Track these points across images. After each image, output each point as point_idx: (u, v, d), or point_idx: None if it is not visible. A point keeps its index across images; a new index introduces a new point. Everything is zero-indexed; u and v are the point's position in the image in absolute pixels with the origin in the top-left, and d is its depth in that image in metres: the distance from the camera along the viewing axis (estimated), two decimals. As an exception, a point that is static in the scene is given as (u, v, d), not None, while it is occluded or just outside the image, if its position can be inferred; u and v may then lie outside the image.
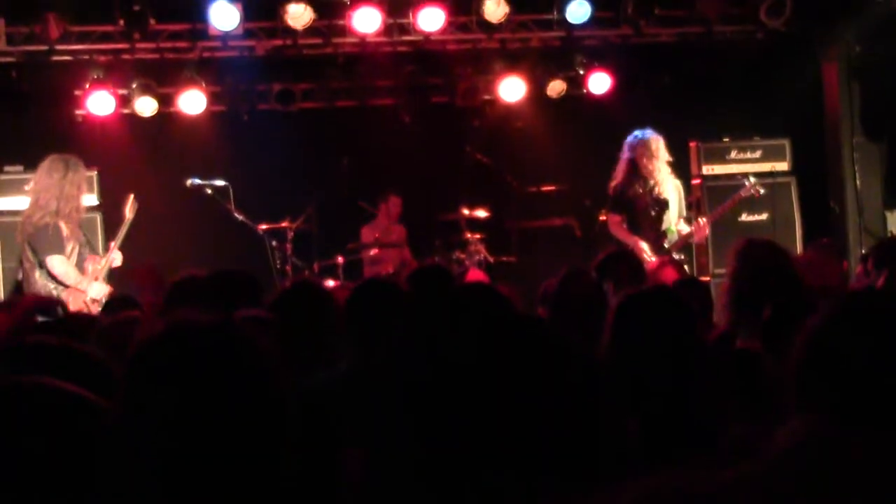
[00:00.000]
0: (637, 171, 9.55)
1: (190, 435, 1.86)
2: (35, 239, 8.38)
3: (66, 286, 8.32)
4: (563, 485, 1.36)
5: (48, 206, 8.39)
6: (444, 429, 1.44)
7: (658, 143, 9.54)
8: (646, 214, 9.53)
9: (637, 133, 9.64)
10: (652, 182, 9.53)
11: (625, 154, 9.66)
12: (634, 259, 6.23)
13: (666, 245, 9.53)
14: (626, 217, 9.61)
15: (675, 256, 9.57)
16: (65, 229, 8.40)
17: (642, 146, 9.52)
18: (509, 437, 1.40)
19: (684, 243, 9.66)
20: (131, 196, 9.18)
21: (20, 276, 8.59)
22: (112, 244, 8.85)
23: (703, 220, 9.93)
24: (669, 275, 8.47)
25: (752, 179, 10.12)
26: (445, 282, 4.83)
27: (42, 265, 8.34)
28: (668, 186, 9.59)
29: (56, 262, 8.31)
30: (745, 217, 11.10)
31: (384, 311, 3.86)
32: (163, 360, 1.94)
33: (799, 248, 10.86)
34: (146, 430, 1.87)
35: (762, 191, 10.22)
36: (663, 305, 3.31)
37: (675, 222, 9.63)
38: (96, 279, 8.50)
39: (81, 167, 8.69)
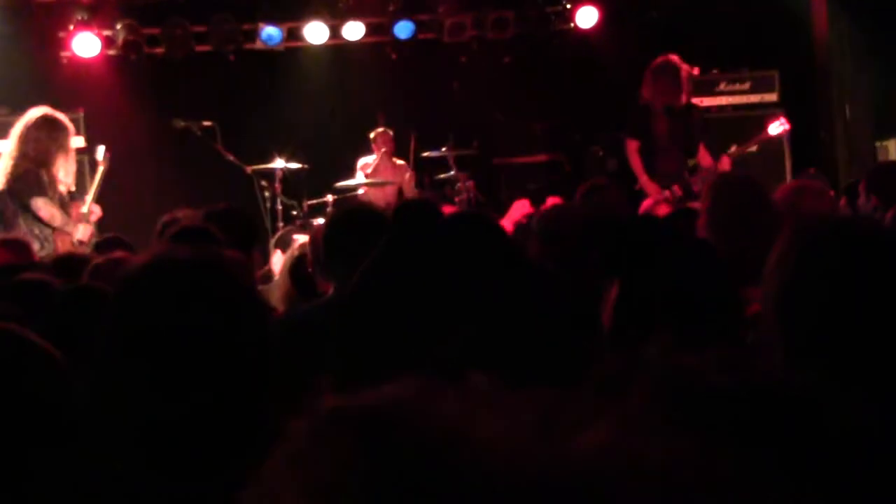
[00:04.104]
0: (658, 94, 9.01)
1: (165, 361, 1.89)
2: (17, 184, 8.29)
3: (54, 228, 8.27)
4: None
5: (28, 154, 8.30)
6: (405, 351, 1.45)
7: (679, 65, 9.01)
8: (665, 141, 9.04)
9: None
10: (673, 106, 9.03)
11: (647, 75, 9.09)
12: (615, 192, 6.18)
13: (686, 175, 9.13)
14: (643, 143, 9.06)
15: (695, 187, 9.16)
16: (45, 176, 8.32)
17: (662, 67, 9.00)
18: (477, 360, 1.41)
19: (706, 174, 9.21)
20: (102, 147, 9.04)
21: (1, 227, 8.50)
22: (86, 197, 8.76)
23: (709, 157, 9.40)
24: (662, 211, 8.40)
25: (781, 118, 9.56)
26: (432, 216, 4.74)
27: (27, 209, 8.26)
28: (688, 109, 9.12)
29: (41, 204, 8.23)
30: (734, 149, 11.08)
31: (366, 237, 3.74)
32: (144, 287, 1.96)
33: (788, 180, 10.86)
34: (126, 356, 1.89)
35: (787, 126, 9.74)
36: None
37: (696, 149, 9.13)
38: (81, 222, 8.46)
39: (70, 131, 8.58)
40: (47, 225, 8.28)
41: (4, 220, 8.33)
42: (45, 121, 8.40)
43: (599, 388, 0.95)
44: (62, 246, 7.86)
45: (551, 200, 8.65)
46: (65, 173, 8.44)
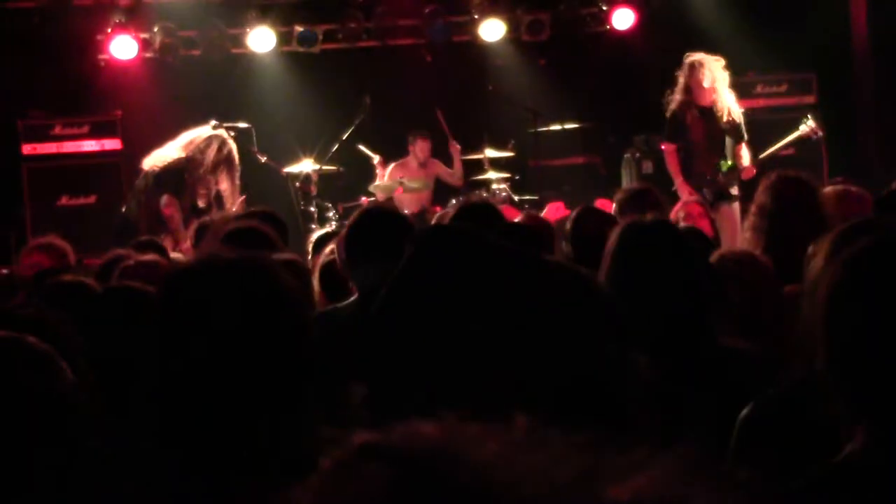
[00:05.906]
0: (692, 96, 8.92)
1: (206, 361, 1.90)
2: (164, 173, 8.65)
3: (169, 228, 8.61)
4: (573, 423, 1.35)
5: (191, 160, 8.70)
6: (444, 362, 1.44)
7: (712, 65, 8.89)
8: (700, 143, 8.96)
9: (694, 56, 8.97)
10: (708, 108, 8.90)
11: (680, 77, 8.99)
12: (652, 198, 6.14)
13: (721, 179, 9.00)
14: (681, 146, 9.01)
15: (733, 191, 8.98)
16: (188, 181, 8.70)
17: (694, 68, 8.88)
18: (511, 371, 1.40)
19: (737, 178, 9.05)
20: (244, 197, 9.27)
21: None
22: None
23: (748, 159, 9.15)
24: (694, 210, 8.31)
25: (811, 122, 9.10)
26: (493, 219, 4.59)
27: (158, 196, 8.71)
28: (727, 112, 8.91)
29: (167, 201, 8.58)
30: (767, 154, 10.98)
31: (386, 238, 3.67)
32: (193, 289, 1.97)
33: (825, 183, 10.74)
34: (174, 353, 1.91)
35: (820, 133, 9.42)
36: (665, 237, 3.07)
37: (735, 151, 8.97)
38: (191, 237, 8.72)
39: (236, 165, 8.98)
40: (164, 221, 8.65)
41: (135, 191, 8.90)
42: (216, 139, 8.89)
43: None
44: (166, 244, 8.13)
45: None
46: (226, 190, 8.90)
